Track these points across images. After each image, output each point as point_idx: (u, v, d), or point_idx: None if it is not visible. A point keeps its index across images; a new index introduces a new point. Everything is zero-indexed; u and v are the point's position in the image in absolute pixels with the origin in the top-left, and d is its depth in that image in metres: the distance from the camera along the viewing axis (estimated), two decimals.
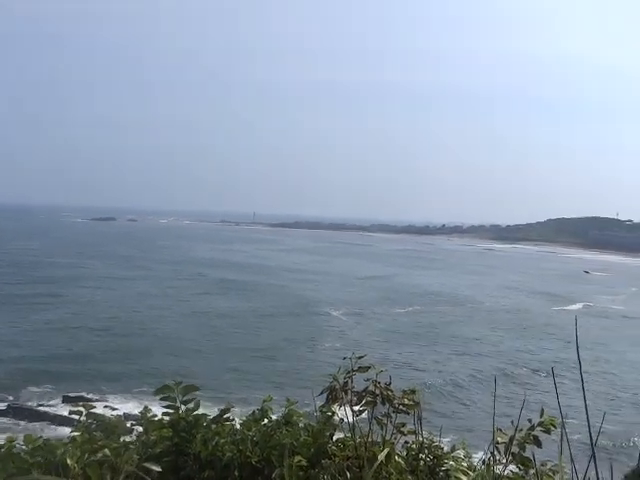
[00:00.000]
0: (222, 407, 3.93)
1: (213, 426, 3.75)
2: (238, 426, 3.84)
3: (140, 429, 3.74)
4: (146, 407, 3.86)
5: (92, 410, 3.63)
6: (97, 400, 35.57)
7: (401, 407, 3.65)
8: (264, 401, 4.02)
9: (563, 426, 2.97)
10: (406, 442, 3.76)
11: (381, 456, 3.35)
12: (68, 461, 3.10)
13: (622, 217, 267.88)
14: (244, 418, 3.92)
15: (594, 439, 2.48)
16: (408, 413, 3.66)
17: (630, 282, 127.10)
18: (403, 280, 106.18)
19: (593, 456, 2.37)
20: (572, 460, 2.79)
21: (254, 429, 3.77)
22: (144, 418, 3.74)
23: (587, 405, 2.24)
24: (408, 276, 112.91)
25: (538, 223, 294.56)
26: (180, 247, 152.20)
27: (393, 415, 3.69)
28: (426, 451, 3.62)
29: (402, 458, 3.62)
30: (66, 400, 36.43)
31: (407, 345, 56.15)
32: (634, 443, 33.54)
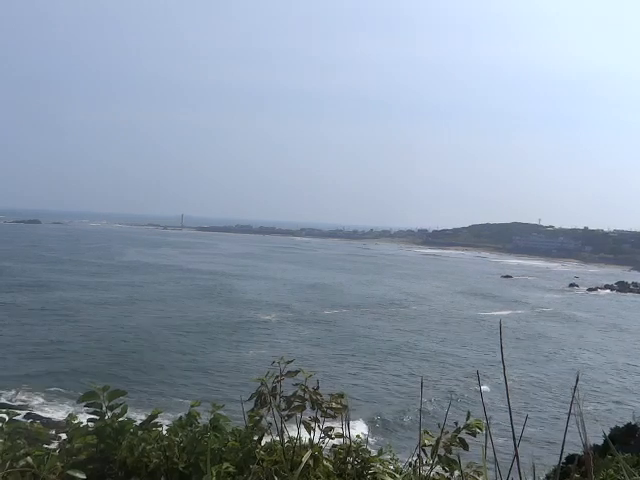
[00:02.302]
0: (149, 412, 3.87)
1: (140, 432, 3.68)
2: (165, 432, 3.78)
3: (65, 436, 3.65)
4: (71, 414, 3.76)
5: (14, 417, 3.53)
6: (20, 407, 34.58)
7: (329, 411, 3.66)
8: (191, 406, 3.97)
9: (487, 428, 3.02)
10: (334, 446, 3.77)
11: (305, 458, 3.35)
12: None
13: (544, 223, 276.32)
14: (171, 424, 3.86)
15: (517, 440, 2.52)
16: (336, 417, 3.67)
17: (549, 286, 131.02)
18: (353, 288, 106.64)
19: (516, 457, 2.42)
20: (496, 461, 2.84)
21: (181, 435, 3.72)
22: (69, 425, 3.65)
23: (510, 407, 2.29)
24: (359, 283, 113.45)
25: (464, 228, 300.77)
26: (107, 249, 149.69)
27: (321, 419, 3.70)
28: (354, 454, 3.64)
29: (330, 462, 3.62)
30: None
31: (336, 349, 56.42)
32: (556, 442, 34.46)
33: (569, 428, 2.51)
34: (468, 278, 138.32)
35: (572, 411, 2.19)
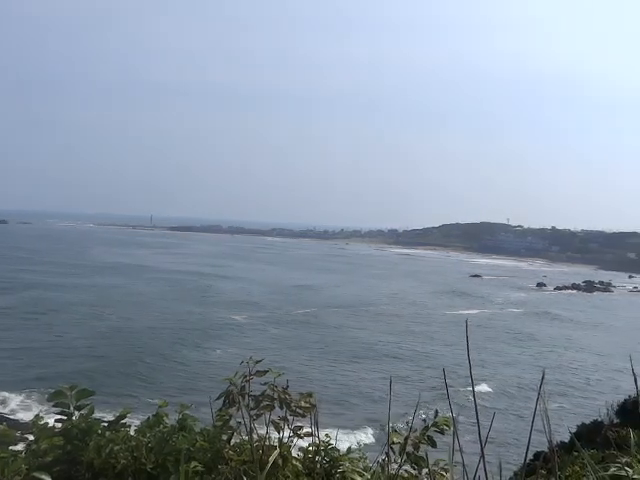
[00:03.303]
0: (117, 413, 3.84)
1: (107, 433, 3.65)
2: (133, 432, 3.75)
3: (31, 438, 3.60)
4: (37, 415, 3.72)
5: None
6: None
7: (298, 410, 3.66)
8: (159, 406, 3.95)
9: (455, 425, 3.05)
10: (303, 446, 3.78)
11: (272, 457, 3.35)
12: None
13: (512, 223, 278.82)
14: (139, 424, 3.83)
15: (484, 438, 2.55)
16: (305, 416, 3.67)
17: (518, 285, 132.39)
18: (333, 288, 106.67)
19: (482, 455, 2.44)
20: (463, 459, 2.86)
21: (149, 435, 3.69)
22: (35, 426, 3.60)
23: (477, 404, 2.31)
24: (340, 286, 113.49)
25: (434, 228, 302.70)
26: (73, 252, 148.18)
27: (290, 418, 3.70)
28: (322, 453, 3.64)
29: (299, 461, 3.63)
30: None
31: (306, 349, 56.46)
32: (522, 439, 34.77)
33: (537, 426, 2.54)
34: (439, 278, 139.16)
35: (538, 408, 2.22)
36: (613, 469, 2.82)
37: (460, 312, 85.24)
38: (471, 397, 41.75)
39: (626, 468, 2.67)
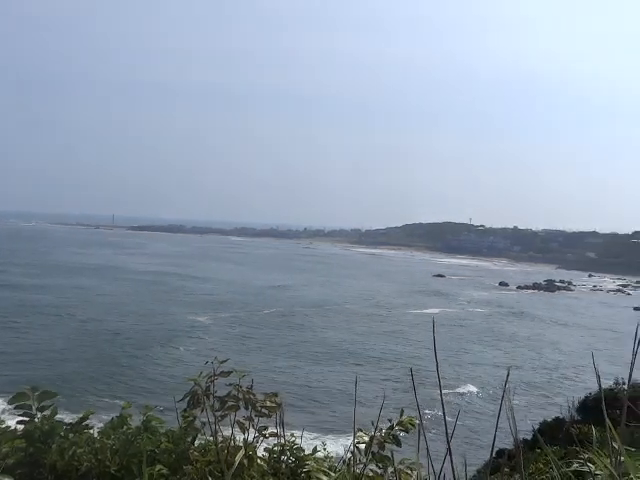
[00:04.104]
0: (80, 415, 3.79)
1: (70, 435, 3.61)
2: (96, 434, 3.71)
3: None
4: None
5: None
6: None
7: (263, 410, 3.65)
8: (123, 408, 3.91)
9: (421, 424, 3.06)
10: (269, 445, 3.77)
11: (237, 458, 3.34)
12: None
13: (475, 222, 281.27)
14: (103, 426, 3.79)
15: (449, 436, 2.56)
16: (270, 416, 3.66)
17: (480, 285, 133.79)
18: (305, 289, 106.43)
19: (449, 451, 2.46)
20: (429, 457, 2.87)
21: (113, 437, 3.65)
22: None
23: (444, 402, 2.32)
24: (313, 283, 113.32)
25: (396, 228, 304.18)
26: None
27: (256, 419, 3.69)
28: (288, 453, 3.64)
29: (264, 461, 3.62)
30: None
31: (272, 349, 56.41)
32: (487, 437, 35.12)
33: (502, 423, 2.56)
34: (405, 277, 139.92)
35: (503, 406, 2.24)
36: (575, 465, 2.86)
37: (424, 311, 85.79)
38: (451, 398, 42.19)
39: (588, 464, 2.70)
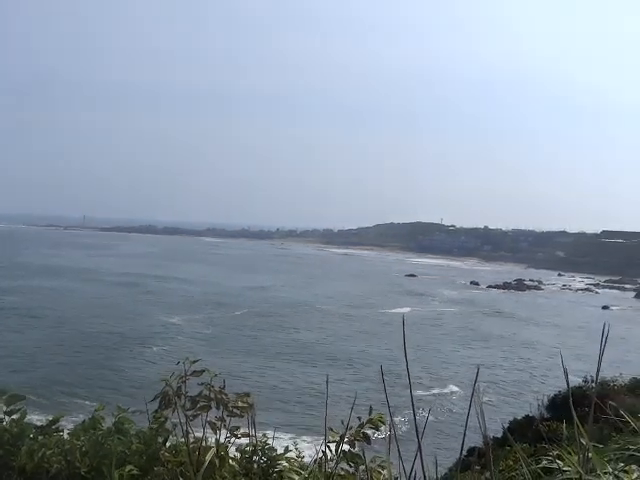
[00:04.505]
0: (50, 417, 3.77)
1: (40, 437, 3.58)
2: (67, 436, 3.68)
3: None
4: None
5: None
6: None
7: (235, 410, 3.64)
8: (95, 410, 3.88)
9: (392, 422, 3.07)
10: (241, 445, 3.76)
11: (207, 457, 3.33)
12: None
13: (446, 222, 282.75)
14: (73, 428, 3.77)
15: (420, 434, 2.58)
16: (242, 416, 3.66)
17: (451, 284, 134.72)
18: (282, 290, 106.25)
19: (419, 450, 2.47)
20: (399, 455, 2.89)
21: (83, 438, 3.63)
22: None
23: (413, 401, 2.34)
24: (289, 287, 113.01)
25: (369, 228, 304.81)
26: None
27: (227, 419, 3.68)
28: (260, 453, 3.64)
29: (236, 461, 3.61)
30: None
31: (244, 349, 56.31)
32: (460, 435, 35.32)
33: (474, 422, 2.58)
34: (376, 277, 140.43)
35: (473, 404, 2.26)
36: (544, 462, 2.89)
37: (397, 310, 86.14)
38: (423, 397, 42.24)
39: (557, 461, 2.73)
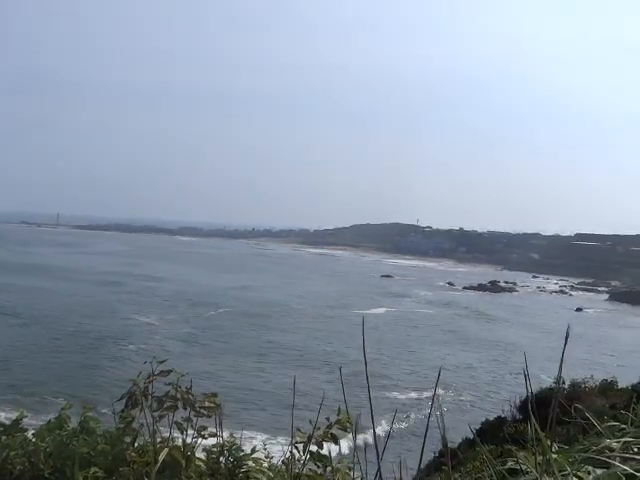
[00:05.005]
0: (14, 417, 3.73)
1: (3, 438, 3.54)
2: (31, 436, 3.64)
3: None
4: None
5: None
6: None
7: (202, 411, 3.64)
8: (62, 409, 3.85)
9: (356, 424, 3.08)
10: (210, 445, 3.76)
11: (161, 457, 3.31)
12: None
13: (422, 223, 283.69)
14: (38, 428, 3.73)
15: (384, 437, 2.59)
16: (209, 416, 3.65)
17: (427, 285, 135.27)
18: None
19: (377, 452, 2.48)
20: (365, 457, 2.90)
21: (48, 439, 3.59)
22: None
23: (372, 404, 2.34)
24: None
25: (345, 228, 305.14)
26: None
27: (195, 419, 3.67)
28: (226, 453, 3.63)
29: (203, 461, 3.60)
30: None
31: (216, 349, 56.20)
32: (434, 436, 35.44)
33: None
34: (352, 277, 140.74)
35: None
36: (510, 463, 2.91)
37: (372, 311, 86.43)
38: (394, 398, 42.47)
39: (521, 462, 2.76)
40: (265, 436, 30.29)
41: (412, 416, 38.71)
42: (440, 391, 46.44)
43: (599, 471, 2.25)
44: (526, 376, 2.52)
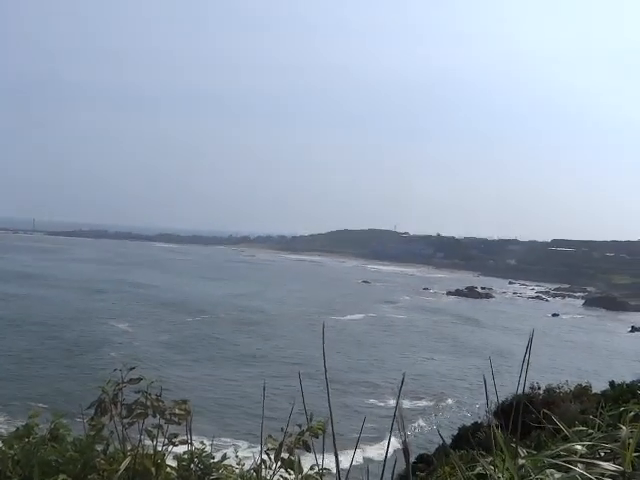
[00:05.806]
0: None
1: None
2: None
3: None
4: None
5: None
6: None
7: (173, 418, 3.62)
8: (30, 416, 3.81)
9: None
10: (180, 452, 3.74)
11: (123, 465, 3.29)
12: None
13: (399, 229, 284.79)
14: (6, 435, 3.69)
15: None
16: (180, 423, 3.63)
17: (404, 291, 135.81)
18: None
19: (335, 458, 2.49)
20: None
21: (16, 447, 3.55)
22: None
23: (331, 410, 2.35)
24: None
25: (321, 234, 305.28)
26: None
27: (165, 426, 3.65)
28: (196, 460, 3.61)
29: (173, 469, 3.59)
30: None
31: (194, 357, 56.00)
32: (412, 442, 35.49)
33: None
34: (330, 283, 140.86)
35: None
36: (479, 469, 2.95)
37: (350, 317, 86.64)
38: (365, 403, 42.51)
39: (489, 467, 2.79)
40: (243, 443, 30.30)
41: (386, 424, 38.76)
42: (424, 401, 46.74)
43: (557, 475, 2.28)
44: (485, 385, 2.55)
